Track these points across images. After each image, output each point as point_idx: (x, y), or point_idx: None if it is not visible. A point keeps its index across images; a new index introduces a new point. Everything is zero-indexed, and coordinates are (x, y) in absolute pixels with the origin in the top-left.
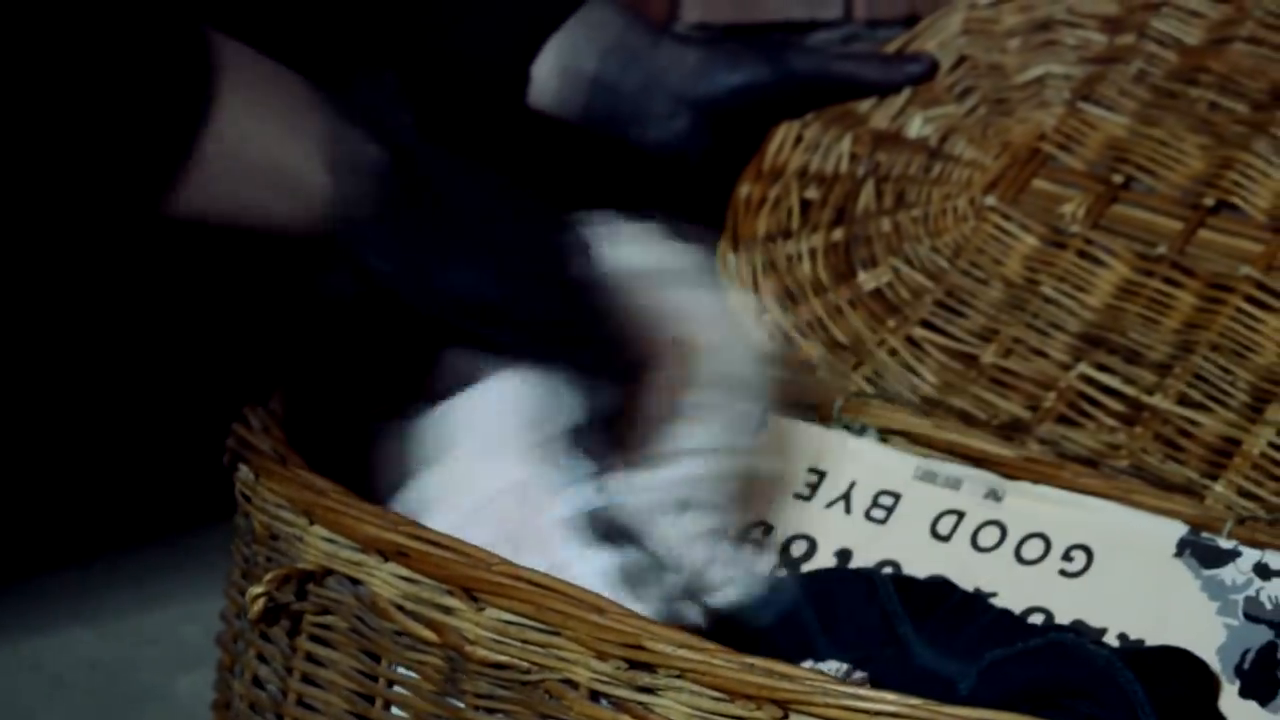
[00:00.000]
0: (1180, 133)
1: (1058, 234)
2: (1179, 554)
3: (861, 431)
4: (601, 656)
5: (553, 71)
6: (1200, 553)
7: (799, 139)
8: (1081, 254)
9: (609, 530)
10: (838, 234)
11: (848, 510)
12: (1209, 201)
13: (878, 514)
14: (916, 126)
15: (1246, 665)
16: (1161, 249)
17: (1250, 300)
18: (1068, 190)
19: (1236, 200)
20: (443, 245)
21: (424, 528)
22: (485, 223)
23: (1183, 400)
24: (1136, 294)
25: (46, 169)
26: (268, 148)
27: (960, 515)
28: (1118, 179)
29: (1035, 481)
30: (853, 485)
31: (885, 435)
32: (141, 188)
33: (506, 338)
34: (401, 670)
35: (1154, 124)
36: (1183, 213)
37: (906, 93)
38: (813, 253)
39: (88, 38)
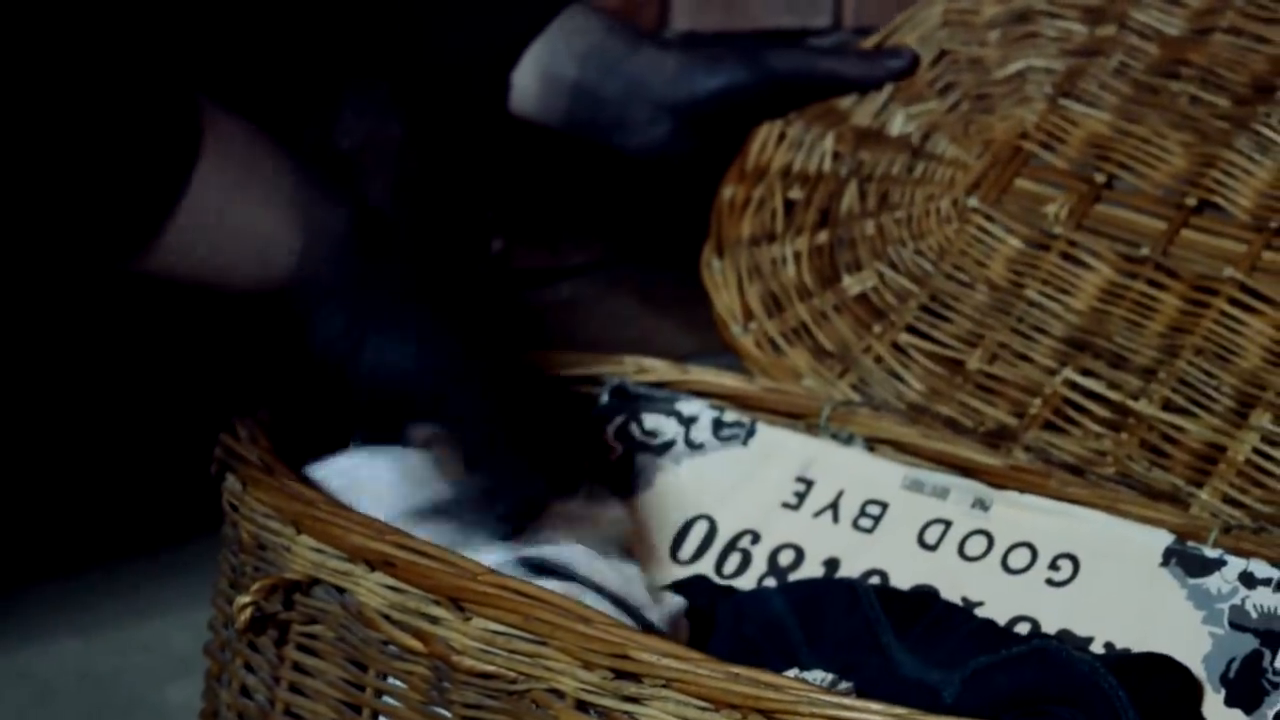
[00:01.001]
0: (1162, 129)
1: (1041, 235)
2: (1165, 563)
3: (849, 440)
4: (588, 666)
5: (533, 78)
6: (1186, 562)
7: (782, 137)
8: (1065, 256)
9: (538, 569)
10: (822, 237)
11: (835, 519)
12: (1192, 201)
13: (865, 523)
14: (899, 124)
15: (1232, 674)
16: (1145, 250)
17: (1234, 303)
18: (1050, 190)
19: (1219, 200)
20: (381, 325)
21: (411, 537)
22: (425, 311)
23: (1168, 405)
24: (1121, 296)
25: (18, 219)
26: (242, 215)
27: (947, 524)
28: (1100, 178)
29: (1022, 490)
30: (840, 494)
31: (873, 444)
32: (113, 247)
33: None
34: (388, 680)
35: (1136, 120)
36: (1166, 212)
37: (888, 89)
38: (797, 256)
39: (76, 99)
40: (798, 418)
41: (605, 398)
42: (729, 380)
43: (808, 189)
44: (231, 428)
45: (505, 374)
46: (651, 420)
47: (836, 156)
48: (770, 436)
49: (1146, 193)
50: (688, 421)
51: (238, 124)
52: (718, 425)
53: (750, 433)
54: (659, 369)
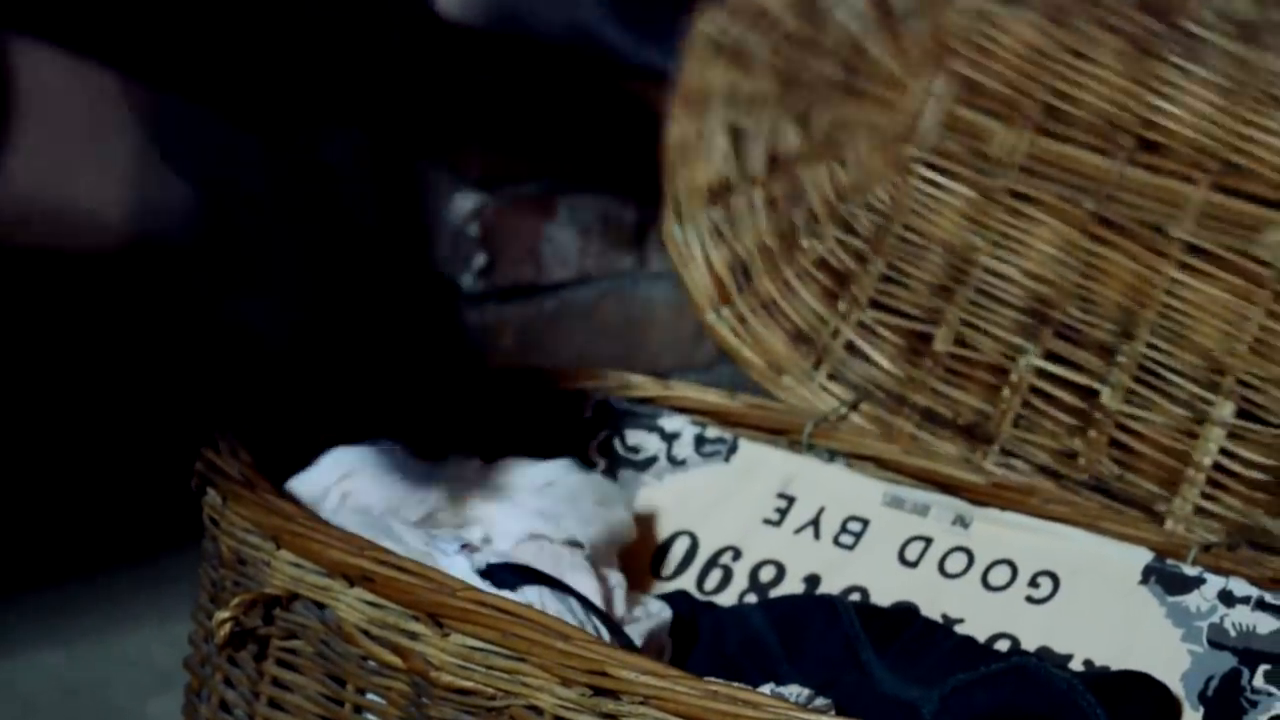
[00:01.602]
0: (1097, 35)
1: (986, 181)
2: (1144, 581)
3: (831, 457)
4: (566, 683)
5: None
6: (1165, 580)
7: (719, 48)
8: (1013, 211)
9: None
10: (775, 188)
11: (816, 536)
12: (1128, 142)
13: (846, 540)
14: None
15: (1210, 692)
16: (1089, 203)
17: (1183, 267)
18: (991, 122)
19: (1158, 136)
20: (239, 290)
21: (390, 553)
22: (276, 272)
23: (1131, 397)
24: (1070, 253)
25: None
26: (62, 191)
27: (928, 541)
28: (1033, 107)
29: (1002, 508)
30: (822, 511)
31: (854, 461)
32: None
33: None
34: (368, 696)
35: (1065, 25)
36: (1106, 146)
37: None
38: (753, 212)
39: None
40: (780, 434)
41: (588, 413)
42: (711, 396)
43: (753, 117)
44: (212, 441)
45: (362, 342)
46: (634, 436)
47: (775, 73)
48: (752, 453)
49: (1085, 121)
50: (670, 438)
51: (61, 71)
52: (700, 441)
53: (732, 449)
54: (642, 385)
